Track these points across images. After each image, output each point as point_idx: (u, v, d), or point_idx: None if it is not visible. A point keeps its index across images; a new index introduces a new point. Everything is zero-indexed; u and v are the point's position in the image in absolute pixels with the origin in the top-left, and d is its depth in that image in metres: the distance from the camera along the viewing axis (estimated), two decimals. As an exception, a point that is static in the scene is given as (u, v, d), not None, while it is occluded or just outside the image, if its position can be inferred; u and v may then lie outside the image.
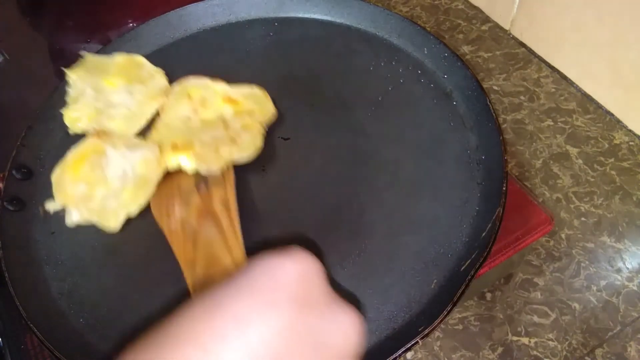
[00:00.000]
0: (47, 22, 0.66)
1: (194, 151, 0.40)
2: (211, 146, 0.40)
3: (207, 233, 0.34)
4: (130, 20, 0.60)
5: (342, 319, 0.24)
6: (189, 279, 0.32)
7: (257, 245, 0.36)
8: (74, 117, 0.44)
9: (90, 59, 0.47)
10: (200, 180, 0.38)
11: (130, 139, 0.42)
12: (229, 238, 0.34)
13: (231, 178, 0.38)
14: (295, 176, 0.40)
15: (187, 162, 0.40)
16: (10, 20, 0.67)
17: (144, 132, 0.44)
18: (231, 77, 0.46)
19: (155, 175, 0.39)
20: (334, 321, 0.24)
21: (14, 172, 0.41)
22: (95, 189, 0.39)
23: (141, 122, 0.45)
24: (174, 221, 0.36)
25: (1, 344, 0.40)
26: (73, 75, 0.45)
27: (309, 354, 0.22)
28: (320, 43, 0.49)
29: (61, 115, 0.44)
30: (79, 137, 0.43)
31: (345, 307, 0.25)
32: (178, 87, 0.45)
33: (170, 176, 0.39)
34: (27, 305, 0.35)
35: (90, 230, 0.39)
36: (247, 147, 0.40)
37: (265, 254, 0.24)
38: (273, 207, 0.39)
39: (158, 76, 0.47)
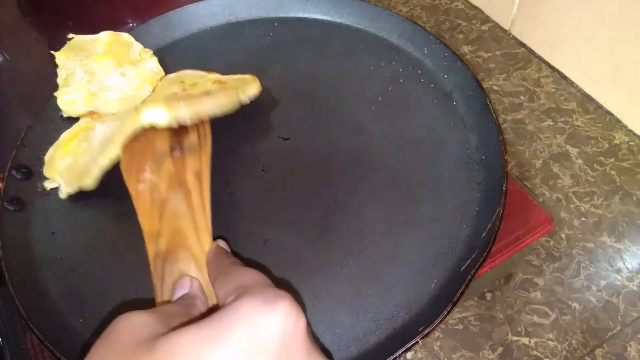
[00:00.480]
0: (47, 22, 0.66)
1: (165, 104, 0.38)
2: (185, 98, 0.39)
3: (175, 205, 0.33)
4: (130, 20, 0.60)
5: None
6: (151, 251, 0.31)
7: (257, 245, 0.37)
8: (69, 100, 0.44)
9: (76, 39, 0.47)
10: (176, 144, 0.36)
11: (118, 113, 0.43)
12: (197, 215, 0.32)
13: (208, 148, 0.36)
14: (295, 176, 0.40)
15: (159, 114, 0.38)
16: (10, 20, 0.67)
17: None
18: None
19: (126, 128, 0.38)
20: None
21: (14, 172, 0.41)
22: (79, 158, 0.40)
23: None
24: (143, 185, 0.34)
25: (1, 344, 0.40)
26: (61, 57, 0.45)
27: None
28: (320, 43, 0.49)
29: (60, 114, 0.44)
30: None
31: None
32: (174, 75, 0.46)
33: (145, 135, 0.38)
34: (27, 305, 0.35)
35: (90, 230, 0.39)
36: (221, 100, 0.40)
37: (248, 299, 0.22)
38: (273, 207, 0.39)
39: (148, 58, 0.48)
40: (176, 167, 0.35)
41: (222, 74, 0.45)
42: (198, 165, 0.35)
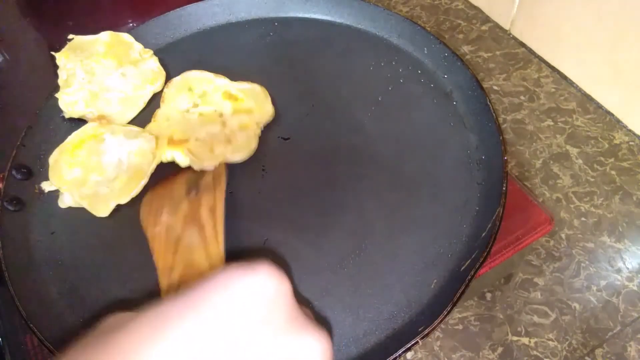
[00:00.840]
0: (47, 22, 0.66)
1: (188, 147, 0.40)
2: (206, 144, 0.41)
3: (189, 240, 0.33)
4: (130, 20, 0.60)
5: (306, 341, 0.23)
6: (164, 284, 0.31)
7: (257, 245, 0.37)
8: (70, 101, 0.44)
9: (77, 40, 0.47)
10: (192, 186, 0.38)
11: (130, 127, 0.43)
12: (210, 246, 0.33)
13: (223, 183, 0.37)
14: (295, 176, 0.40)
15: (181, 158, 0.40)
16: (10, 20, 0.67)
17: (142, 120, 0.44)
18: (231, 77, 0.46)
19: (149, 167, 0.40)
20: (297, 342, 0.22)
21: (14, 172, 0.41)
22: (89, 174, 0.39)
23: (139, 106, 0.45)
24: (159, 227, 0.35)
25: (1, 344, 0.40)
26: (62, 57, 0.46)
27: None
28: (320, 43, 0.49)
29: (61, 115, 0.44)
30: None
31: (311, 328, 0.23)
32: (180, 78, 0.45)
33: (163, 181, 0.39)
34: (27, 305, 0.35)
35: (90, 231, 0.39)
36: (242, 148, 0.41)
37: (230, 266, 0.22)
38: (273, 207, 0.39)
39: (149, 57, 0.48)
40: (192, 206, 0.36)
41: (222, 74, 0.45)
42: (212, 202, 0.36)
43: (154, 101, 0.46)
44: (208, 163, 0.39)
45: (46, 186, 0.41)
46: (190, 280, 0.31)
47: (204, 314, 0.20)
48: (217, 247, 0.33)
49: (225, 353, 0.20)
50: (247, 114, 0.43)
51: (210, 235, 0.33)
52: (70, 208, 0.40)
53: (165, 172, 0.40)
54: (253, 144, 0.41)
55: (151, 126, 0.43)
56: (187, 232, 0.34)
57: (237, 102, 0.43)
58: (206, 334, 0.20)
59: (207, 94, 0.44)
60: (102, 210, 0.38)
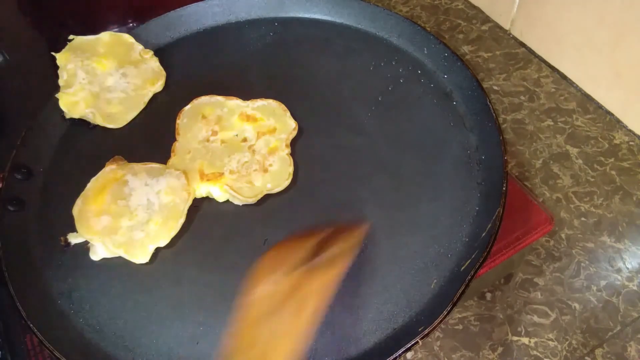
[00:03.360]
0: (47, 22, 0.66)
1: (226, 182, 0.38)
2: (242, 176, 0.39)
3: (282, 320, 0.29)
4: (130, 20, 0.60)
5: None
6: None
7: (257, 245, 0.37)
8: (71, 101, 0.44)
9: (77, 40, 0.47)
10: (314, 254, 0.32)
11: (151, 165, 0.40)
12: (299, 327, 0.29)
13: (350, 256, 0.32)
14: (295, 176, 0.40)
15: (218, 193, 0.39)
16: (10, 20, 0.67)
17: (142, 121, 0.43)
18: (231, 77, 0.46)
19: (184, 204, 0.38)
20: None
21: (14, 172, 0.41)
22: (119, 220, 0.37)
23: (139, 106, 0.45)
24: (260, 295, 0.30)
25: (1, 344, 0.40)
26: (62, 58, 0.45)
27: None
28: (320, 43, 0.49)
29: (61, 115, 0.44)
30: (79, 138, 0.43)
31: None
32: (190, 106, 0.44)
33: (287, 242, 0.34)
34: (27, 305, 0.35)
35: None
36: (281, 177, 0.39)
37: None
38: (273, 207, 0.39)
39: (149, 58, 0.47)
40: (304, 278, 0.31)
41: (223, 74, 0.45)
42: (326, 279, 0.31)
43: (154, 102, 0.46)
44: (249, 196, 0.38)
45: (73, 238, 0.38)
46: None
47: None
48: (306, 329, 0.29)
49: None
50: (271, 133, 0.41)
51: (306, 319, 0.29)
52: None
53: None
54: (289, 168, 0.40)
55: (174, 161, 0.40)
56: (283, 312, 0.29)
57: (257, 123, 0.42)
58: None
59: (223, 119, 0.42)
60: (141, 255, 0.36)
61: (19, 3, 0.67)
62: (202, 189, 0.39)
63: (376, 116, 0.43)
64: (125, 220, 0.37)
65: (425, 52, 0.46)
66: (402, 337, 0.32)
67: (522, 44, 0.65)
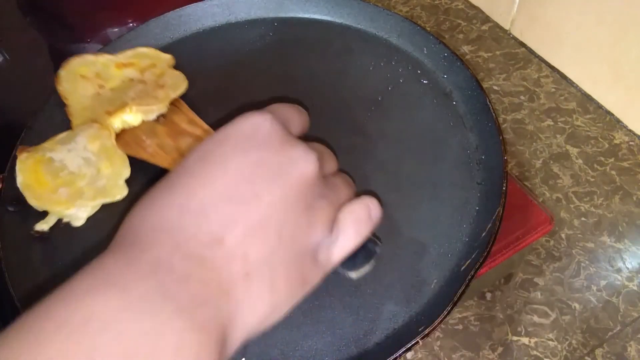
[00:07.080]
0: (47, 22, 0.66)
1: (131, 107, 0.40)
2: (144, 97, 0.41)
3: (187, 143, 0.37)
4: (130, 20, 0.60)
5: (296, 153, 0.26)
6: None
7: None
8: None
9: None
10: (156, 118, 0.40)
11: (60, 136, 0.40)
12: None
13: (184, 105, 0.40)
14: (295, 176, 0.40)
15: (131, 117, 0.40)
16: (10, 20, 0.67)
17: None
18: (231, 77, 0.46)
19: (111, 139, 0.39)
20: (288, 156, 0.26)
21: (14, 172, 0.41)
22: (75, 184, 0.38)
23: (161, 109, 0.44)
24: (151, 148, 0.38)
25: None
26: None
27: (268, 180, 0.24)
28: (320, 43, 0.49)
29: (61, 115, 0.44)
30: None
31: (300, 146, 0.27)
32: (63, 71, 0.43)
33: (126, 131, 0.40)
34: (28, 306, 0.35)
35: (90, 231, 0.39)
36: (179, 85, 0.42)
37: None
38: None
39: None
40: (168, 126, 0.39)
41: (222, 74, 0.45)
42: (185, 117, 0.39)
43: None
44: (159, 106, 0.41)
45: (42, 225, 0.38)
46: None
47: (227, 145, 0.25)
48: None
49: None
50: (152, 67, 0.43)
51: (205, 134, 0.36)
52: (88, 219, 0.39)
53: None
54: (183, 80, 0.42)
55: (76, 122, 0.41)
56: (181, 141, 0.37)
57: (135, 66, 0.44)
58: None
59: (102, 73, 0.43)
60: (119, 193, 0.38)
61: (19, 3, 0.67)
62: (116, 123, 0.40)
63: (376, 116, 0.43)
64: (80, 181, 0.38)
65: (425, 52, 0.46)
66: (402, 337, 0.32)
67: (522, 44, 0.65)
